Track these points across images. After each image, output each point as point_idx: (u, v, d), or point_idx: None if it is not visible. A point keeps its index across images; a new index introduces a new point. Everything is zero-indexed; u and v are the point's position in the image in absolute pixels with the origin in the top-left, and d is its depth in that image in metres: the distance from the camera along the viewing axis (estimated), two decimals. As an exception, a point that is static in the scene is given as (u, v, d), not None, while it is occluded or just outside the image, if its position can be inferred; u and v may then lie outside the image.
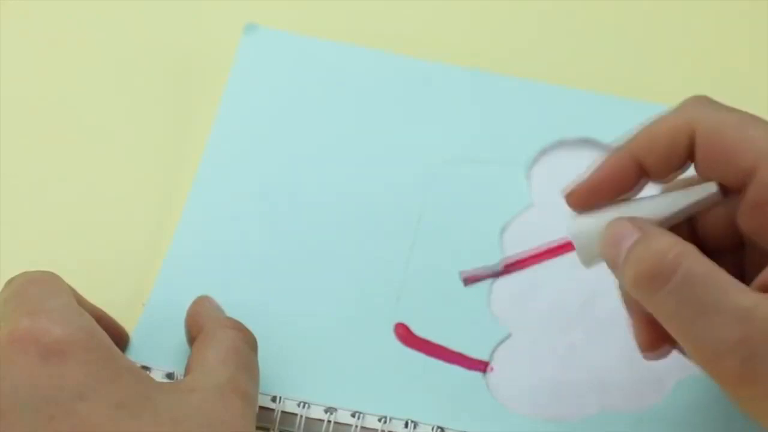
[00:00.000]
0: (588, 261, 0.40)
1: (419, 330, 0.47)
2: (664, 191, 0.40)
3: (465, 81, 0.54)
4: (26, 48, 0.55)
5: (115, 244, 0.49)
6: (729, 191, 0.38)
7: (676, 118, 0.38)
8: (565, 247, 0.42)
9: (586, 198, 0.39)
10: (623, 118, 0.53)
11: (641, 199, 0.40)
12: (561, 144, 0.52)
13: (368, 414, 0.45)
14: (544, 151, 0.52)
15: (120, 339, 0.45)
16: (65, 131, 0.52)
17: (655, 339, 0.39)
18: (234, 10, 0.56)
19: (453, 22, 0.57)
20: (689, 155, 0.38)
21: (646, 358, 0.40)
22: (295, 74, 0.54)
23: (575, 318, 0.47)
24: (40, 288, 0.39)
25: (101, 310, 0.43)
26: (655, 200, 0.39)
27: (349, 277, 0.48)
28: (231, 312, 0.45)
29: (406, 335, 0.47)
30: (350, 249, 0.49)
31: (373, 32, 0.56)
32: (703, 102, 0.39)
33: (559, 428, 0.45)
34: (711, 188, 0.38)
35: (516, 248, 0.49)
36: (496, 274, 0.44)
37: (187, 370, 0.41)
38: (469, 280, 0.45)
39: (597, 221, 0.39)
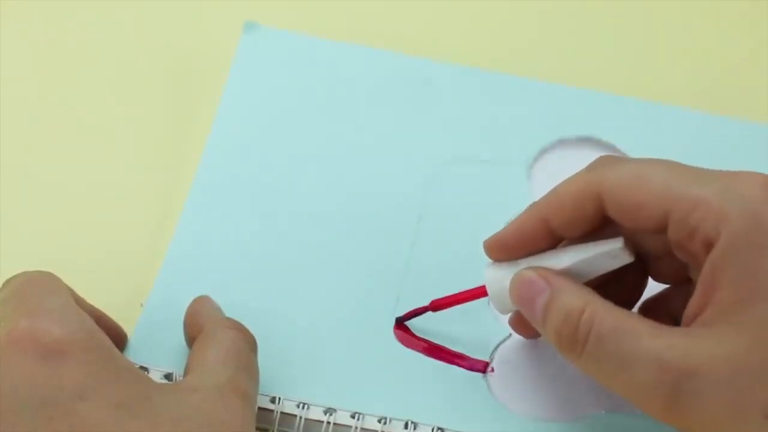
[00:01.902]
0: (502, 309, 0.43)
1: (419, 330, 0.47)
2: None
3: (465, 80, 0.54)
4: (26, 48, 0.55)
5: (115, 245, 0.49)
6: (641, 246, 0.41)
7: (581, 180, 0.40)
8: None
9: (500, 251, 0.42)
10: (624, 117, 0.53)
11: (552, 251, 0.41)
12: (561, 143, 0.52)
13: (368, 415, 0.45)
14: (544, 150, 0.52)
15: (119, 339, 0.45)
16: (65, 131, 0.52)
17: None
18: (234, 9, 0.56)
19: (453, 22, 0.57)
20: (599, 214, 0.40)
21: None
22: (295, 73, 0.54)
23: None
24: (39, 288, 0.39)
25: (100, 311, 0.43)
26: (561, 252, 0.41)
27: (348, 277, 0.48)
28: (231, 312, 0.45)
29: (405, 336, 0.47)
30: (350, 249, 0.49)
31: (373, 31, 0.56)
32: (606, 161, 0.41)
33: (560, 429, 0.45)
34: (617, 243, 0.40)
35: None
36: (425, 310, 0.46)
37: (187, 370, 0.41)
38: (403, 318, 0.47)
39: (507, 273, 0.42)
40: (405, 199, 0.50)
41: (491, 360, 0.46)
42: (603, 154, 0.50)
